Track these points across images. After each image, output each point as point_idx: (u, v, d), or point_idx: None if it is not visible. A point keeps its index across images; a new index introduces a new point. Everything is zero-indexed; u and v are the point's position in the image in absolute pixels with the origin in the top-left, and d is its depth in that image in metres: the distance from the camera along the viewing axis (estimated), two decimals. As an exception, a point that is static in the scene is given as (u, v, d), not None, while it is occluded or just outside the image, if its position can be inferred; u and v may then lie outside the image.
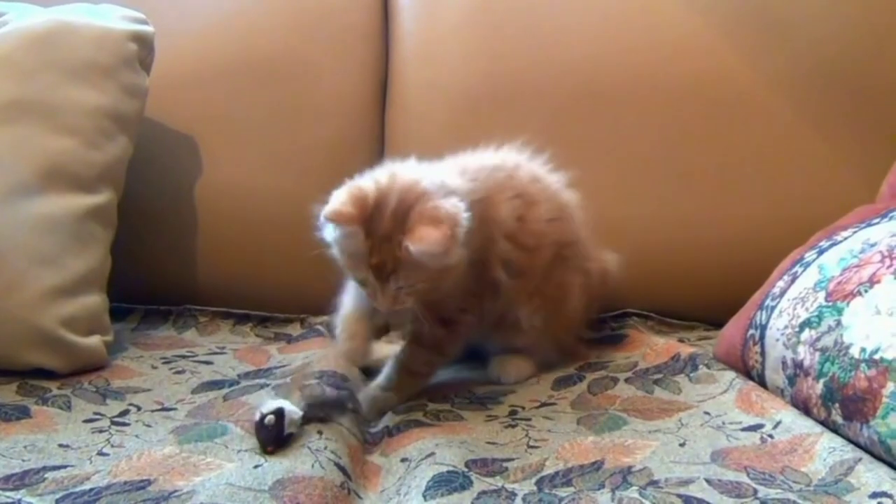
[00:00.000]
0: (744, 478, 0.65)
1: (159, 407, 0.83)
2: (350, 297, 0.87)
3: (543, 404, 0.85)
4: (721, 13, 1.17)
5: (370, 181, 0.80)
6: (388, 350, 0.92)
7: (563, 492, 0.65)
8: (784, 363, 0.81)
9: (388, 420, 0.82)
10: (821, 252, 0.86)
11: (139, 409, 0.83)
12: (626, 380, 0.89)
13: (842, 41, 1.14)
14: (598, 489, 0.64)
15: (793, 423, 0.73)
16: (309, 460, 0.68)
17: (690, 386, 0.86)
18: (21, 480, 0.66)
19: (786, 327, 0.82)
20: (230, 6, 1.25)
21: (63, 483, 0.65)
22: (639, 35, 1.18)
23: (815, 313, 0.79)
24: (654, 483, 0.65)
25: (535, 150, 0.96)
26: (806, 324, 0.79)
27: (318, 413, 0.76)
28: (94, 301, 0.96)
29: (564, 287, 0.94)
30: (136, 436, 0.76)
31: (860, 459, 0.65)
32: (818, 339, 0.77)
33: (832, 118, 1.13)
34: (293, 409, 0.73)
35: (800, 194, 1.11)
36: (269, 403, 0.73)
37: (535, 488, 0.66)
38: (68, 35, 1.01)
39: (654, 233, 1.12)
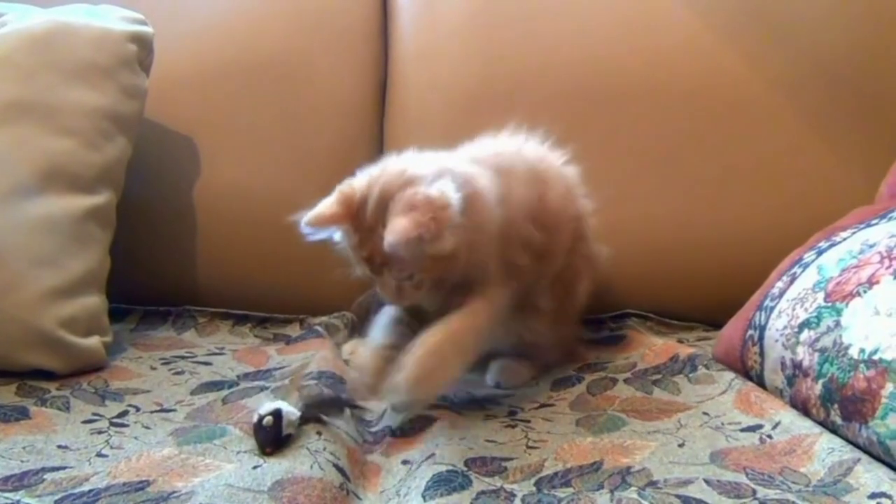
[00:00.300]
0: (743, 478, 0.65)
1: (158, 408, 0.83)
2: (382, 329, 0.85)
3: (542, 405, 0.85)
4: (721, 15, 1.17)
5: (364, 176, 0.80)
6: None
7: (562, 492, 0.65)
8: (783, 364, 0.81)
9: (391, 420, 0.82)
10: (820, 253, 0.86)
11: (138, 410, 0.83)
12: (625, 380, 0.89)
13: (842, 43, 1.14)
14: (597, 490, 0.64)
15: (792, 423, 0.73)
16: (307, 461, 0.68)
17: (689, 386, 0.86)
18: (20, 481, 0.66)
19: (785, 328, 0.82)
20: (229, 7, 1.25)
21: (62, 484, 0.65)
22: (639, 36, 1.18)
23: (814, 314, 0.79)
24: (653, 484, 0.65)
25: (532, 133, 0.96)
26: (805, 324, 0.79)
27: (316, 413, 0.76)
28: (93, 302, 0.96)
29: (576, 272, 0.94)
30: (135, 437, 0.76)
31: (859, 460, 0.65)
32: (817, 339, 0.77)
33: (831, 120, 1.13)
34: (291, 410, 0.73)
35: (799, 195, 1.11)
36: (266, 405, 0.73)
37: (534, 489, 0.66)
38: (67, 36, 1.01)
39: (653, 233, 1.12)
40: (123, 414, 0.81)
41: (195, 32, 1.23)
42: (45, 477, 0.67)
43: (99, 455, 0.71)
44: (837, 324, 0.75)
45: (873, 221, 0.86)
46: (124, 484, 0.65)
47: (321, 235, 0.80)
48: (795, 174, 1.12)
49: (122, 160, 1.03)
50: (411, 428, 0.79)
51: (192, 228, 1.16)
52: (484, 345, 0.83)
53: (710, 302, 1.07)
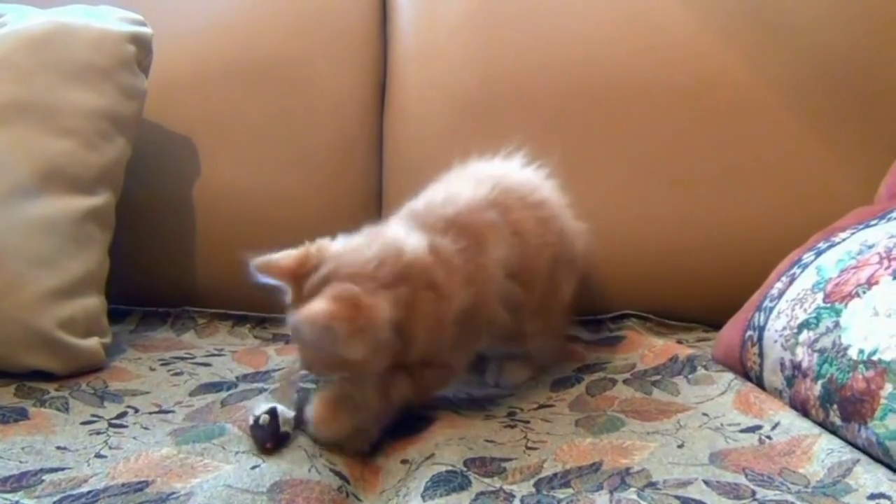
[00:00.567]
0: (742, 479, 0.65)
1: (157, 409, 0.83)
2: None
3: (542, 406, 0.85)
4: (720, 15, 1.17)
5: (339, 243, 0.78)
6: None
7: (561, 493, 0.65)
8: (782, 364, 0.81)
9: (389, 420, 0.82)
10: (819, 253, 0.86)
11: (137, 411, 0.83)
12: (625, 381, 0.89)
13: (841, 44, 1.14)
14: (597, 490, 0.64)
15: (791, 424, 0.73)
16: (305, 465, 0.68)
17: (689, 387, 0.86)
18: (19, 482, 0.66)
19: (784, 329, 0.82)
20: (228, 8, 1.25)
21: (61, 485, 0.65)
22: (639, 36, 1.18)
23: (814, 315, 0.79)
24: (652, 484, 0.65)
25: (515, 152, 0.95)
26: (804, 325, 0.79)
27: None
28: (93, 303, 0.96)
29: (557, 281, 0.93)
30: (134, 437, 0.75)
31: (858, 461, 0.65)
32: (816, 340, 0.77)
33: (830, 120, 1.13)
34: (286, 410, 0.73)
35: (798, 196, 1.11)
36: (261, 406, 0.73)
37: (533, 489, 0.66)
38: (66, 37, 1.01)
39: (652, 234, 1.12)
40: (122, 415, 0.81)
41: (194, 33, 1.23)
42: (43, 478, 0.67)
43: (98, 456, 0.71)
44: (836, 324, 0.75)
45: (872, 222, 0.86)
46: (123, 485, 0.65)
47: (267, 281, 0.78)
48: (795, 174, 1.12)
49: (121, 161, 1.03)
50: (411, 428, 0.79)
51: (192, 229, 1.16)
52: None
53: (709, 303, 1.07)
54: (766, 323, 0.85)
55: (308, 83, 1.22)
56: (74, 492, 0.64)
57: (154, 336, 1.08)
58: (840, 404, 0.71)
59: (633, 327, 1.06)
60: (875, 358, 0.69)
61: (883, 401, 0.67)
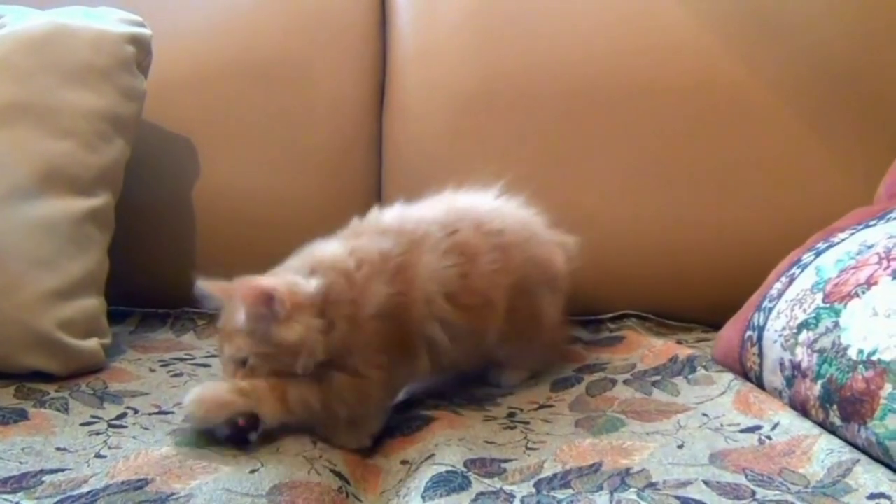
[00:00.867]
0: (742, 479, 0.65)
1: (157, 410, 0.83)
2: None
3: (542, 406, 0.85)
4: (719, 16, 1.17)
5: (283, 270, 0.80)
6: None
7: (561, 494, 0.65)
8: (782, 365, 0.81)
9: (389, 420, 0.82)
10: (818, 254, 0.86)
11: (136, 412, 0.83)
12: (625, 381, 0.89)
13: (840, 44, 1.14)
14: (597, 491, 0.64)
15: (791, 424, 0.73)
16: (305, 467, 0.68)
17: (688, 388, 0.86)
18: (19, 483, 0.66)
19: (784, 329, 0.82)
20: (228, 8, 1.25)
21: (61, 486, 0.65)
22: (638, 37, 1.18)
23: (813, 315, 0.79)
24: (652, 485, 0.65)
25: (501, 179, 0.93)
26: (804, 325, 0.79)
27: None
28: (92, 304, 0.96)
29: (534, 306, 0.90)
30: (134, 438, 0.75)
31: (858, 461, 0.65)
32: (816, 340, 0.77)
33: (830, 120, 1.13)
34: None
35: (797, 196, 1.11)
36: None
37: (533, 490, 0.66)
38: (66, 38, 1.01)
39: (652, 234, 1.12)
40: (122, 416, 0.81)
41: (193, 33, 1.23)
42: (43, 479, 0.67)
43: (97, 456, 0.71)
44: (836, 325, 0.75)
45: (871, 222, 0.86)
46: (122, 482, 0.65)
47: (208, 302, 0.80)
48: (794, 175, 1.12)
49: (121, 162, 1.03)
50: (410, 428, 0.79)
51: (192, 230, 1.16)
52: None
53: (709, 303, 1.07)
54: (765, 323, 0.85)
55: (307, 83, 1.22)
56: (74, 492, 0.64)
57: (154, 337, 1.08)
58: (840, 404, 0.71)
59: (632, 328, 1.06)
60: (874, 358, 0.69)
61: (882, 401, 0.67)
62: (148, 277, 1.16)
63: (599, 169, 1.14)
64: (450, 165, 1.06)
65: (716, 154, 1.13)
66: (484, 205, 0.91)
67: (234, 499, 0.62)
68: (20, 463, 0.69)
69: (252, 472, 0.66)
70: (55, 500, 0.63)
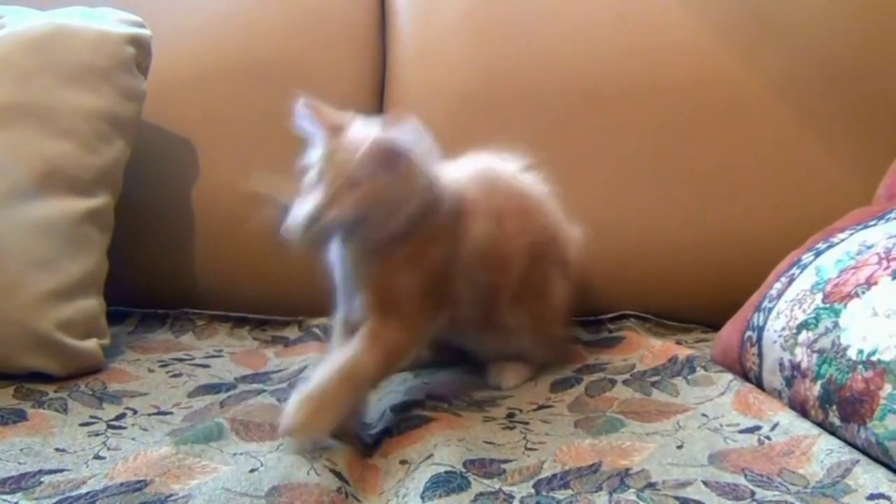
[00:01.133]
0: (741, 480, 0.65)
1: (155, 411, 0.83)
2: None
3: (541, 407, 0.85)
4: (719, 15, 1.17)
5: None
6: None
7: (560, 494, 0.65)
8: (781, 365, 0.81)
9: (388, 421, 0.82)
10: (818, 254, 0.86)
11: (135, 412, 0.83)
12: (624, 382, 0.89)
13: (840, 44, 1.14)
14: (596, 491, 0.64)
15: (790, 424, 0.73)
16: (305, 467, 0.67)
17: (688, 388, 0.86)
18: (17, 484, 0.66)
19: (783, 329, 0.82)
20: (227, 8, 1.25)
21: (59, 487, 0.65)
22: (637, 37, 1.18)
23: (813, 315, 0.79)
24: (651, 485, 0.65)
25: (517, 152, 0.95)
26: (803, 325, 0.79)
27: None
28: (91, 304, 0.96)
29: (545, 279, 0.93)
30: (133, 438, 0.76)
31: (858, 461, 0.65)
32: (815, 340, 0.77)
33: (830, 120, 1.13)
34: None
35: (797, 196, 1.11)
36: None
37: (532, 491, 0.66)
38: (66, 38, 1.01)
39: (652, 234, 1.12)
40: (121, 416, 0.81)
41: (193, 34, 1.23)
42: (42, 479, 0.67)
43: (96, 457, 0.71)
44: (836, 325, 0.75)
45: (871, 222, 0.86)
46: (121, 484, 0.64)
47: (305, 126, 0.89)
48: (793, 175, 1.12)
49: (121, 162, 1.03)
50: (409, 428, 0.79)
51: (191, 231, 1.16)
52: (372, 388, 0.81)
53: (708, 303, 1.07)
54: (765, 323, 0.85)
55: (308, 84, 1.21)
56: (73, 493, 0.64)
57: (153, 338, 1.08)
58: (839, 405, 0.71)
59: (632, 328, 1.06)
60: (874, 358, 0.69)
61: (882, 401, 0.67)
62: (147, 278, 1.16)
63: (599, 168, 1.14)
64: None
65: (715, 154, 1.13)
66: (509, 168, 0.95)
67: (233, 499, 0.62)
68: (19, 463, 0.70)
69: (251, 471, 0.66)
70: (54, 500, 0.63)
